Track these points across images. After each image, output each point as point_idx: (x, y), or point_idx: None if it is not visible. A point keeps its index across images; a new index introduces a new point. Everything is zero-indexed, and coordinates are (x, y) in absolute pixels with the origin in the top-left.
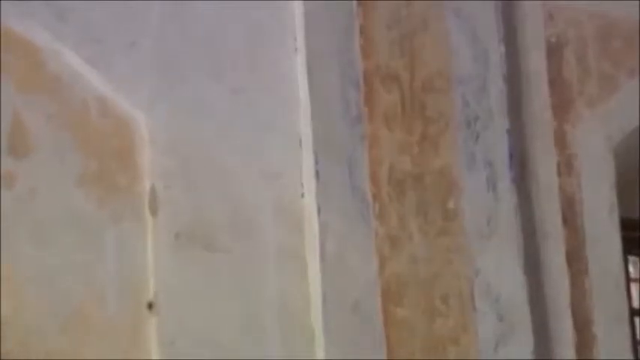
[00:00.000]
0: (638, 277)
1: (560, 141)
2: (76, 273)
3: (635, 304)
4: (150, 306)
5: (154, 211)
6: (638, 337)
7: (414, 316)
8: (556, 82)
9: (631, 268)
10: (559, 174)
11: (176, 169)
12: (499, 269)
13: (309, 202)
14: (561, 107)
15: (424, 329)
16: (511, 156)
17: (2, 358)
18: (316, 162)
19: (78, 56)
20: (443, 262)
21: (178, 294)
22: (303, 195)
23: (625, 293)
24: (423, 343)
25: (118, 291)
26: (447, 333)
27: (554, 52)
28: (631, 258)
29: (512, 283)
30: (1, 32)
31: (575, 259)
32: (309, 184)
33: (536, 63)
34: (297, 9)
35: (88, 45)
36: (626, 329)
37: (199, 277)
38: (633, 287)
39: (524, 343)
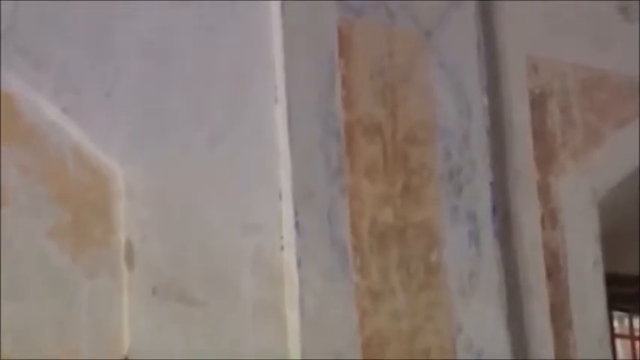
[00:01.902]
0: (623, 332)
1: (544, 194)
2: (50, 327)
3: None
4: None
5: (129, 265)
6: None
7: None
8: (540, 134)
9: (616, 324)
10: (543, 227)
11: (153, 222)
12: (481, 324)
13: (289, 256)
14: (545, 159)
15: None
16: (494, 209)
17: None
18: (296, 214)
19: (54, 106)
20: (425, 316)
21: (154, 349)
22: (282, 248)
23: (609, 349)
24: None
25: (92, 346)
26: None
27: (538, 103)
28: (616, 313)
29: (494, 339)
30: None
31: (559, 313)
32: (289, 237)
33: (520, 115)
34: (278, 58)
35: (64, 95)
36: None
37: (176, 332)
38: (618, 343)
39: None
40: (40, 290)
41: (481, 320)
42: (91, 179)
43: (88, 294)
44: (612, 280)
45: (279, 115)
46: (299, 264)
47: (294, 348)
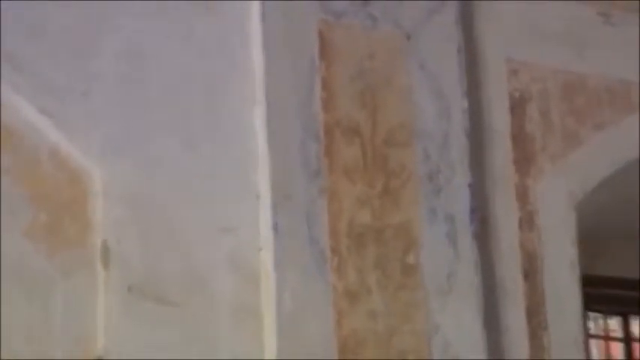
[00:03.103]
0: (597, 333)
1: (522, 196)
2: (24, 326)
3: None
4: None
5: (105, 265)
6: None
7: None
8: (519, 137)
9: (591, 325)
10: (520, 229)
11: (129, 222)
12: (458, 325)
13: (266, 256)
14: (524, 162)
15: None
16: (472, 211)
17: None
18: (274, 215)
19: (31, 106)
20: (401, 317)
21: (129, 349)
22: (260, 249)
23: (584, 350)
24: None
25: (67, 345)
26: None
27: (517, 107)
28: (591, 314)
29: (470, 340)
30: None
31: (535, 315)
32: (267, 238)
33: (499, 118)
34: (257, 60)
35: (41, 95)
36: None
37: (151, 331)
38: (593, 344)
39: None
40: (15, 289)
41: (458, 321)
42: (67, 179)
43: (63, 293)
44: (587, 282)
45: (258, 116)
46: (276, 265)
47: (271, 348)
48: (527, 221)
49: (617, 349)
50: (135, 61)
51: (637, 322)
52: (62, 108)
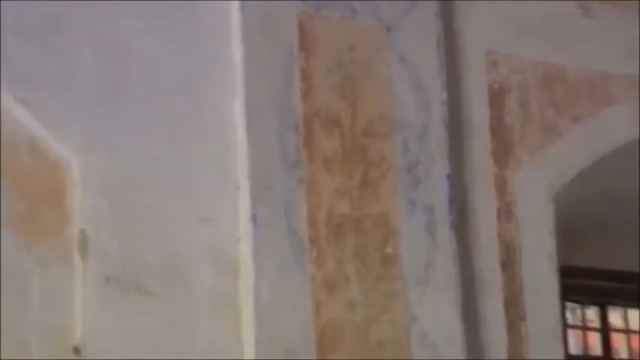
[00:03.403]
0: (575, 323)
1: (501, 187)
2: (1, 317)
3: (572, 351)
4: (76, 350)
5: (83, 255)
6: None
7: None
8: (498, 128)
9: (568, 315)
10: (499, 220)
11: (107, 213)
12: (436, 315)
13: (245, 247)
14: (502, 153)
15: None
16: (451, 202)
17: None
18: (253, 206)
19: (9, 96)
20: (380, 308)
21: (106, 338)
22: (238, 239)
23: (562, 340)
24: None
25: (44, 335)
26: None
27: (496, 98)
28: (569, 304)
29: (448, 330)
30: None
31: (513, 305)
32: (246, 229)
33: (478, 109)
34: (236, 51)
35: (20, 85)
36: None
37: (129, 321)
38: (570, 334)
39: None
40: None
41: (436, 311)
42: (45, 169)
43: (40, 283)
44: (565, 272)
45: (237, 107)
46: (255, 255)
47: (249, 338)
48: (506, 212)
49: (595, 339)
50: (114, 53)
51: (614, 312)
52: (41, 98)
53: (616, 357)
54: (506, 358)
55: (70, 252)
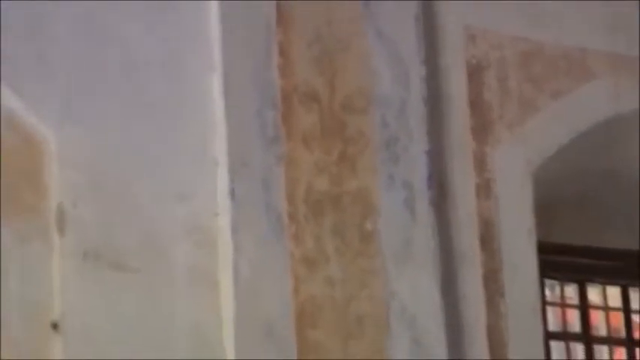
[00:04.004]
0: (554, 300)
1: (480, 163)
2: None
3: (551, 328)
4: (55, 326)
5: (61, 230)
6: None
7: (329, 339)
8: (476, 104)
9: (547, 292)
10: (477, 197)
11: (85, 188)
12: (415, 292)
13: (224, 222)
14: (481, 130)
15: (338, 352)
16: (430, 178)
17: None
18: (231, 181)
19: None
20: (359, 284)
21: (84, 314)
22: (217, 215)
23: (541, 317)
24: None
25: (22, 311)
26: (362, 356)
27: (475, 74)
28: (547, 281)
29: (428, 306)
30: None
31: (492, 282)
32: (224, 204)
33: (456, 85)
34: (214, 26)
35: None
36: (541, 353)
37: (107, 297)
38: (549, 310)
39: None
40: None
41: (415, 287)
42: (22, 145)
43: (18, 259)
44: (544, 249)
45: (215, 82)
46: (233, 231)
47: (228, 314)
48: (485, 189)
49: (574, 316)
50: (92, 27)
51: (593, 289)
52: (18, 74)
53: (595, 334)
54: (485, 334)
55: (47, 227)
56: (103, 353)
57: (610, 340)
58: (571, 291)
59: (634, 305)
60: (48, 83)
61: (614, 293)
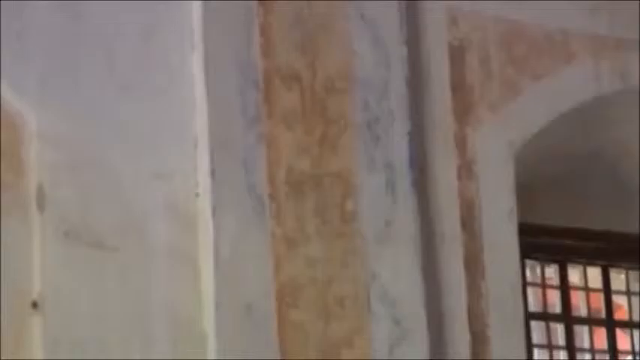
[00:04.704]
0: (534, 281)
1: (461, 145)
2: None
3: (532, 308)
4: (34, 305)
5: (41, 209)
6: (533, 340)
7: (309, 319)
8: (458, 85)
9: (528, 273)
10: (459, 178)
11: (65, 166)
12: (396, 272)
13: (204, 202)
14: (463, 111)
15: (319, 332)
16: (411, 159)
17: None
18: (212, 161)
19: None
20: (339, 264)
21: (64, 293)
22: (197, 195)
23: (521, 297)
24: (317, 346)
25: (2, 290)
26: (342, 336)
27: (457, 55)
28: (528, 262)
29: (408, 287)
30: None
31: (473, 263)
32: (205, 184)
33: (438, 67)
34: (195, 6)
35: None
36: (521, 333)
37: (86, 276)
38: (530, 291)
39: (419, 346)
40: None
41: (396, 268)
42: (1, 123)
43: None
44: (525, 230)
45: (196, 62)
46: (214, 211)
47: (207, 294)
48: (466, 170)
49: (554, 297)
50: (69, 7)
51: (574, 270)
52: None
53: (575, 315)
54: (466, 314)
55: (27, 206)
56: (83, 331)
57: (590, 321)
58: (551, 272)
59: (614, 286)
60: (27, 62)
61: (594, 274)
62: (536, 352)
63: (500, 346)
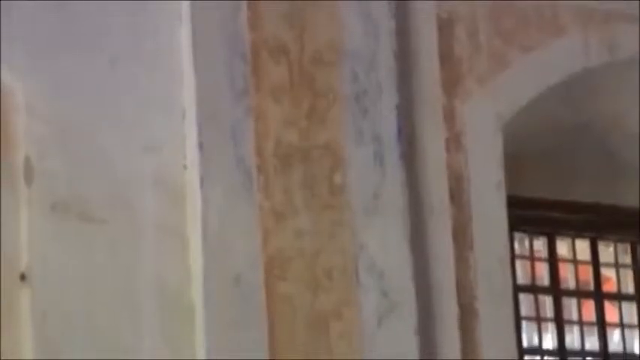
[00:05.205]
0: (523, 254)
1: (449, 117)
2: None
3: (520, 281)
4: (22, 277)
5: (29, 181)
6: (521, 313)
7: (297, 291)
8: (446, 58)
9: (516, 245)
10: (447, 150)
11: (53, 139)
12: (384, 244)
13: (192, 175)
14: (451, 84)
15: (307, 304)
16: (399, 131)
17: None
18: (200, 134)
19: None
20: (328, 236)
21: (52, 265)
22: (185, 167)
23: (509, 270)
24: (305, 318)
25: None
26: (330, 308)
27: (445, 28)
28: (517, 234)
29: (396, 259)
30: None
31: (461, 235)
32: (192, 156)
33: (427, 39)
34: None
35: None
36: (510, 305)
37: (75, 248)
38: (518, 264)
39: (407, 318)
40: None
41: (384, 240)
42: None
43: None
44: (514, 203)
45: (184, 35)
46: (202, 183)
47: (196, 267)
48: (454, 142)
49: (543, 269)
50: None
51: (562, 242)
52: None
53: (563, 287)
54: (454, 286)
55: (15, 179)
56: (71, 303)
57: (578, 293)
58: (540, 244)
59: (603, 259)
60: (14, 36)
61: (582, 246)
62: (524, 325)
63: (488, 319)
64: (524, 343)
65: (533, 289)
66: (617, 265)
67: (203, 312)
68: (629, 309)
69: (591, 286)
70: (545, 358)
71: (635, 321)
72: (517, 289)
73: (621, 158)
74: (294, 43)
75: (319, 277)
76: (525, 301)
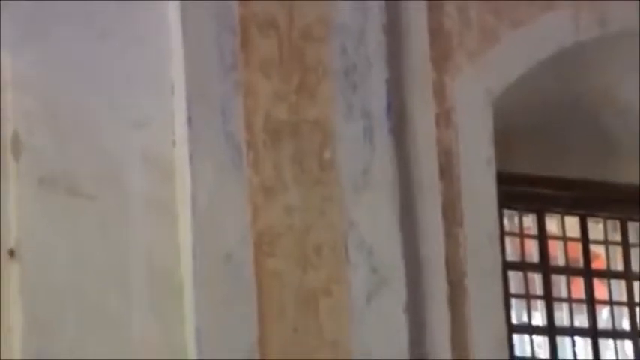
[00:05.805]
0: (512, 230)
1: (439, 93)
2: None
3: (509, 258)
4: (11, 253)
5: (16, 157)
6: (510, 290)
7: (287, 267)
8: (436, 33)
9: (506, 222)
10: (437, 126)
11: (41, 114)
12: (374, 221)
13: (181, 150)
14: (441, 59)
15: (296, 280)
16: (389, 107)
17: None
18: (189, 109)
19: None
20: (317, 213)
21: (41, 241)
22: (174, 143)
23: (499, 247)
24: (294, 295)
25: None
26: (320, 284)
27: (435, 3)
28: (506, 211)
29: (386, 235)
30: None
31: (451, 211)
32: (181, 132)
33: (416, 14)
34: None
35: None
36: (499, 283)
37: (63, 224)
38: (507, 241)
39: (396, 295)
40: None
41: (373, 216)
42: None
43: None
44: (504, 179)
45: (172, 9)
46: (191, 159)
47: (185, 243)
48: (444, 118)
49: (532, 246)
50: None
51: (552, 219)
52: None
53: (553, 264)
54: (443, 263)
55: (3, 152)
56: (60, 279)
57: (568, 271)
58: (529, 221)
59: (592, 236)
60: (2, 11)
61: (572, 223)
62: (513, 302)
63: (477, 295)
64: (514, 320)
65: (522, 266)
66: (606, 243)
67: (192, 288)
68: (618, 286)
69: (580, 264)
70: (534, 335)
71: (624, 298)
72: (506, 265)
73: (612, 135)
74: (284, 17)
75: (309, 253)
76: (514, 278)
